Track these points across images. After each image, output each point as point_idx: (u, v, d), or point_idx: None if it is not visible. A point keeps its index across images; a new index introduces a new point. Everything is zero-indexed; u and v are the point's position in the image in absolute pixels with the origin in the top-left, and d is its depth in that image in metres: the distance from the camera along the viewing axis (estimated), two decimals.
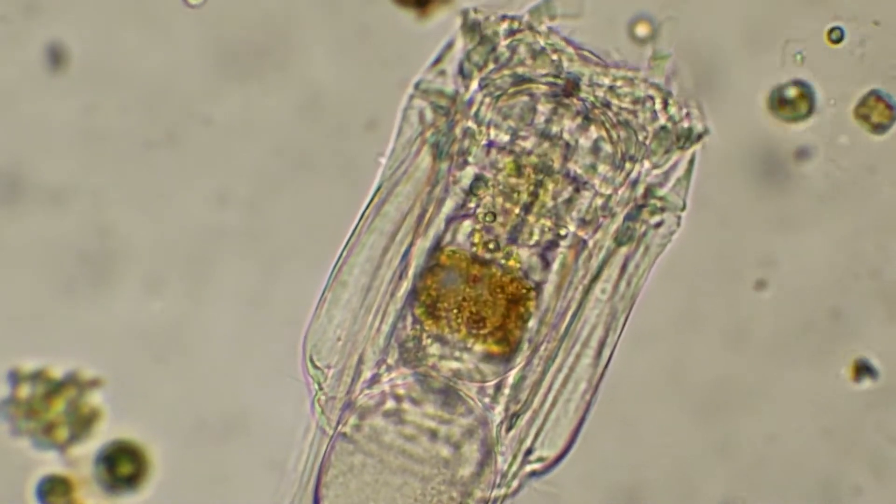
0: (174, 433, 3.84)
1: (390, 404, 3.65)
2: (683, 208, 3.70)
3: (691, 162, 3.71)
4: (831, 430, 3.87)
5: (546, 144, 3.61)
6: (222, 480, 3.83)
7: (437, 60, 3.72)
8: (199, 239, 3.82)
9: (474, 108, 3.66)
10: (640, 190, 3.68)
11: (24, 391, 3.82)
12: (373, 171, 3.75)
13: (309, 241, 3.81)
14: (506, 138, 3.62)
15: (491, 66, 3.66)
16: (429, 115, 3.71)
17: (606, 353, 3.71)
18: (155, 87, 3.82)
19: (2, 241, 3.81)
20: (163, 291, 3.82)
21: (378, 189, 3.72)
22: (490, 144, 3.63)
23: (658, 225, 3.70)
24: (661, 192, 3.70)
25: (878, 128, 3.83)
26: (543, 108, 3.62)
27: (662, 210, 3.69)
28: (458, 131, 3.67)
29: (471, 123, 3.65)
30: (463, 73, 3.70)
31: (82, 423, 3.82)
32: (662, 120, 3.65)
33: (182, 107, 3.82)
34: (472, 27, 3.68)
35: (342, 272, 3.70)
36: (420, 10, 3.80)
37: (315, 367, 3.69)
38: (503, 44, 3.67)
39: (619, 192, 3.65)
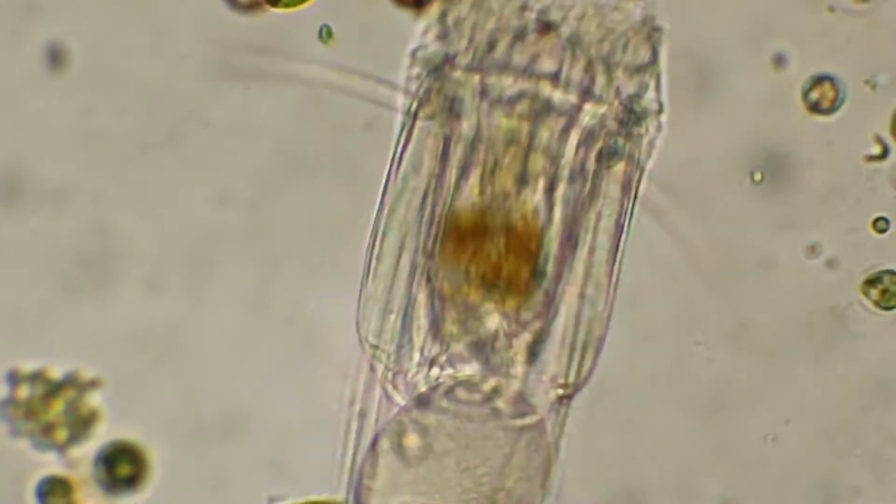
0: (173, 434, 3.84)
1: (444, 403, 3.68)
2: (661, 111, 3.72)
3: (656, 65, 3.73)
4: (831, 429, 3.87)
5: (534, 82, 3.64)
6: (221, 481, 3.83)
7: (426, 30, 3.76)
8: (199, 239, 3.82)
9: (464, 61, 3.68)
10: (618, 105, 3.71)
11: (24, 392, 3.82)
12: (372, 172, 3.76)
13: (309, 241, 3.81)
14: (496, 85, 3.65)
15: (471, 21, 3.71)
16: (427, 81, 3.72)
17: (617, 269, 3.73)
18: (155, 88, 3.82)
19: (2, 242, 3.81)
20: (163, 292, 3.82)
21: (392, 163, 3.73)
22: (482, 92, 3.65)
23: (641, 134, 3.72)
24: (638, 101, 3.72)
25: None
26: (525, 47, 3.66)
27: (644, 118, 3.72)
28: (452, 86, 3.69)
29: (460, 74, 3.68)
30: (446, 34, 3.73)
31: (81, 423, 3.82)
32: (628, 26, 3.70)
33: (182, 107, 3.82)
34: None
35: (377, 248, 3.71)
36: (419, 10, 3.81)
37: (373, 346, 3.69)
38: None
39: (610, 110, 3.68)
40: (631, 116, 3.73)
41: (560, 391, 3.73)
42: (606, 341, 3.75)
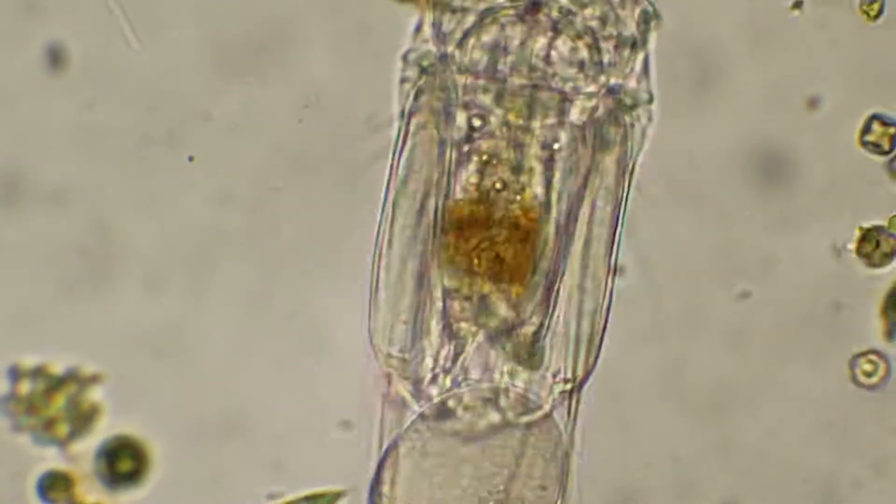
0: (175, 429, 3.84)
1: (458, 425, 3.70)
2: (651, 101, 3.71)
3: (646, 57, 3.72)
4: (831, 429, 3.88)
5: (525, 67, 3.62)
6: (222, 477, 3.84)
7: (418, 29, 3.74)
8: (199, 239, 3.82)
9: (456, 58, 3.67)
10: (605, 92, 3.70)
11: (25, 387, 3.82)
12: (373, 172, 3.75)
13: (309, 241, 3.81)
14: (487, 71, 3.64)
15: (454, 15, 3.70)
16: (421, 81, 3.71)
17: (613, 257, 3.74)
18: (155, 87, 3.81)
19: (2, 241, 3.81)
20: (163, 291, 3.82)
21: (391, 166, 3.73)
22: (474, 85, 3.64)
23: (632, 123, 3.72)
24: (627, 90, 3.71)
25: None
26: (513, 32, 3.64)
27: (634, 107, 3.71)
28: (444, 84, 3.69)
29: (454, 70, 3.67)
30: (439, 35, 3.71)
31: (83, 419, 3.83)
32: (621, 13, 3.68)
33: (182, 107, 3.81)
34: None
35: (383, 258, 3.72)
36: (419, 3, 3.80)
37: (392, 357, 3.70)
38: None
39: (602, 92, 3.68)
40: (621, 105, 3.72)
41: (564, 386, 3.74)
42: (607, 334, 3.76)
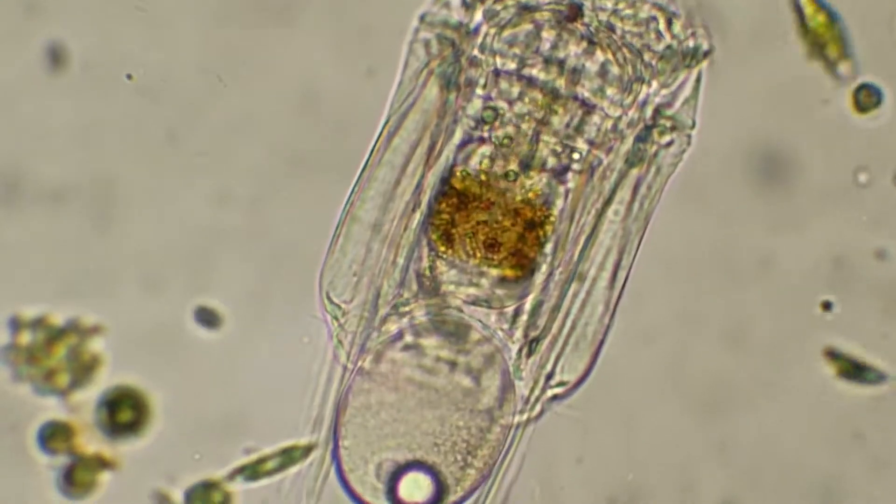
0: (175, 380, 3.85)
1: (408, 338, 3.69)
2: (693, 126, 3.72)
3: (698, 81, 3.72)
4: (830, 430, 3.89)
5: (553, 70, 3.64)
6: (223, 425, 3.85)
7: None
8: (199, 239, 3.84)
9: (480, 38, 3.68)
10: (649, 111, 3.70)
11: (26, 338, 3.82)
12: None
13: (309, 241, 3.81)
14: (512, 66, 3.64)
15: None
16: (434, 46, 3.72)
17: (622, 275, 3.74)
18: (155, 87, 3.80)
19: (2, 241, 3.82)
20: (163, 291, 3.83)
21: (386, 123, 3.73)
22: (497, 73, 3.65)
23: (668, 144, 3.72)
24: (670, 111, 3.72)
25: None
26: (548, 34, 3.64)
27: (672, 129, 3.71)
28: (464, 61, 3.68)
29: (476, 52, 3.67)
30: (466, 4, 3.71)
31: (83, 369, 3.83)
32: (668, 39, 3.67)
33: (182, 107, 3.81)
34: None
35: (355, 207, 3.72)
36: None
37: (332, 303, 3.71)
38: None
39: (629, 113, 3.67)
40: (660, 124, 3.72)
41: (556, 390, 3.76)
42: (604, 344, 3.78)
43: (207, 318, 3.75)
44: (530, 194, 3.64)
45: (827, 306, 3.82)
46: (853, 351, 3.85)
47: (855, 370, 3.85)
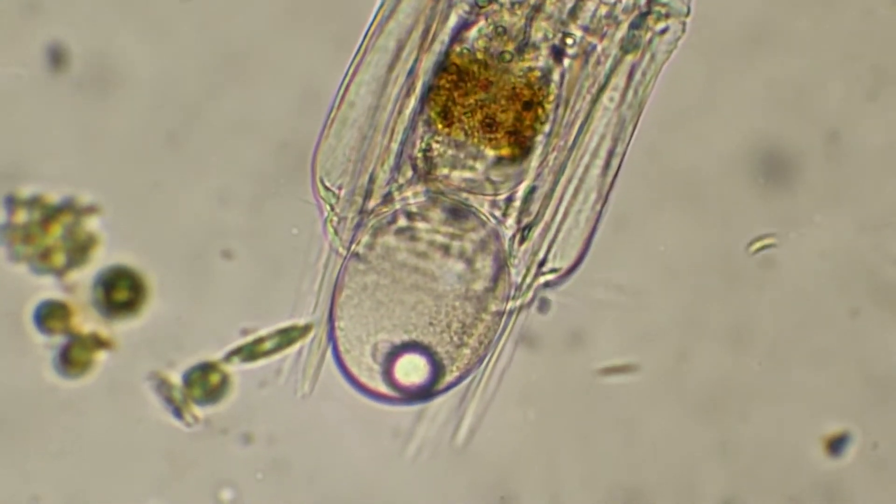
0: (171, 260, 3.86)
1: (402, 222, 3.68)
2: (688, 14, 3.70)
3: None
4: (830, 430, 3.90)
5: None
6: (218, 301, 3.85)
7: None
8: (199, 239, 3.82)
9: None
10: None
11: (21, 216, 3.82)
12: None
13: (309, 241, 3.80)
14: None
15: None
16: None
17: (615, 162, 3.74)
18: (155, 87, 3.78)
19: None
20: (163, 291, 3.83)
21: (381, 6, 3.71)
22: None
23: (663, 32, 3.71)
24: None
25: None
26: None
27: (667, 16, 3.69)
28: None
29: None
30: None
31: (79, 248, 3.83)
32: None
33: (182, 107, 3.79)
34: None
35: (349, 92, 3.70)
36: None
37: (326, 188, 3.71)
38: None
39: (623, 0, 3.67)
40: (655, 10, 3.69)
41: (548, 276, 3.76)
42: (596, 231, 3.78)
43: None
44: (530, 76, 3.63)
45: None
46: None
47: None
